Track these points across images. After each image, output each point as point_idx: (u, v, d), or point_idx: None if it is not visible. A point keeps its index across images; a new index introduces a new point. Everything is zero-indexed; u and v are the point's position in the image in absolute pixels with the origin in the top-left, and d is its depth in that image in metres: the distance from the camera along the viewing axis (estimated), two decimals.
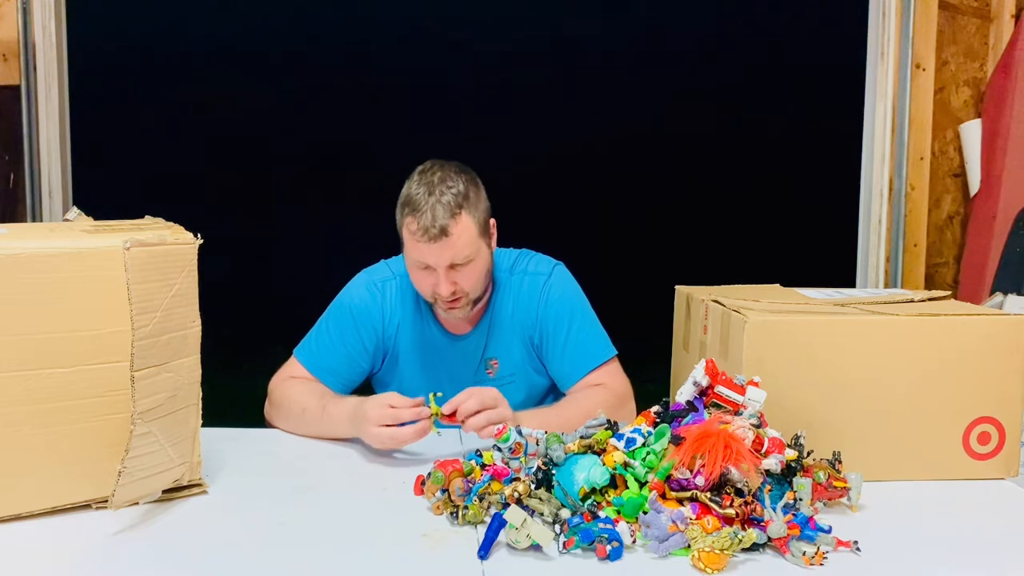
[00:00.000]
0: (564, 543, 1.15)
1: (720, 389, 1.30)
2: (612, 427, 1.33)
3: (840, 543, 1.16)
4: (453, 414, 1.48)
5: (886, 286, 2.83)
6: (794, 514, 1.20)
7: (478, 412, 1.48)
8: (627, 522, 1.20)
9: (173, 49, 4.93)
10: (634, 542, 1.17)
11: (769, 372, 1.37)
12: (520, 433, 1.38)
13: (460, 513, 1.24)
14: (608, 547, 1.13)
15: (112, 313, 1.24)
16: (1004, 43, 2.78)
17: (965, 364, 1.45)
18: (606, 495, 1.24)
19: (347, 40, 5.05)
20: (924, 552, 1.20)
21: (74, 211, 1.53)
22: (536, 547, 1.14)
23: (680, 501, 1.19)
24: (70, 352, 1.25)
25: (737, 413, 1.29)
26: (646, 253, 5.21)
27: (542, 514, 1.21)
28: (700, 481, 1.18)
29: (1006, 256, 2.68)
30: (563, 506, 1.22)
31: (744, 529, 1.15)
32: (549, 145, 5.16)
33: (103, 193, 2.58)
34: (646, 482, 1.23)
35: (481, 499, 1.25)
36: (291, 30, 5.09)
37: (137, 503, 1.29)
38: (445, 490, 1.28)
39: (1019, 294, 2.63)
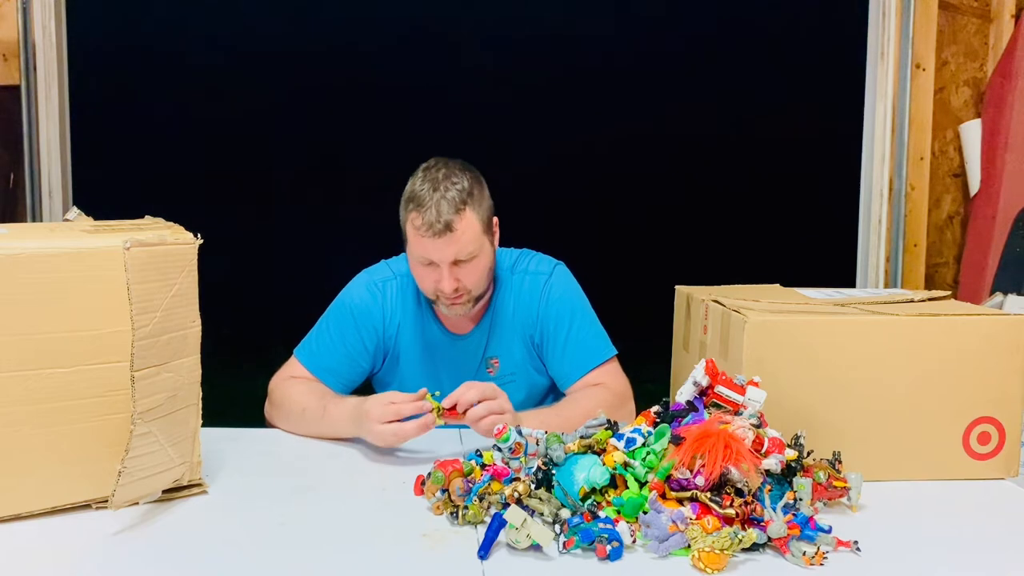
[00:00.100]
0: (564, 543, 1.15)
1: (720, 389, 1.30)
2: (612, 427, 1.33)
3: (840, 543, 1.16)
4: (453, 408, 1.48)
5: (886, 286, 2.83)
6: (794, 514, 1.20)
7: (478, 404, 1.48)
8: (627, 522, 1.20)
9: (173, 49, 4.93)
10: (634, 542, 1.17)
11: (769, 372, 1.37)
12: (520, 433, 1.38)
13: (460, 513, 1.24)
14: (608, 547, 1.13)
15: (112, 313, 1.24)
16: (1004, 43, 2.78)
17: (965, 364, 1.45)
18: (606, 495, 1.24)
19: (347, 40, 5.05)
20: (924, 552, 1.20)
21: (74, 211, 1.53)
22: (536, 547, 1.14)
23: (680, 501, 1.19)
24: (70, 352, 1.25)
25: (737, 413, 1.29)
26: (646, 253, 5.21)
27: (542, 514, 1.21)
28: (700, 481, 1.18)
29: (1006, 256, 2.68)
30: (563, 506, 1.22)
31: (744, 529, 1.15)
32: (549, 145, 5.16)
33: (103, 193, 2.58)
34: (646, 482, 1.23)
35: (481, 499, 1.25)
36: (291, 30, 5.09)
37: (137, 503, 1.29)
38: (445, 490, 1.28)
39: (1019, 294, 2.63)
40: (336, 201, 5.27)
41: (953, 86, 2.86)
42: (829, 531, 1.18)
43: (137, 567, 1.13)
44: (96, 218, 1.47)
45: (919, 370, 1.44)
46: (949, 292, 1.87)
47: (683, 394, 1.32)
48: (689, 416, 1.28)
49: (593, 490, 1.23)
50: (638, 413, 1.37)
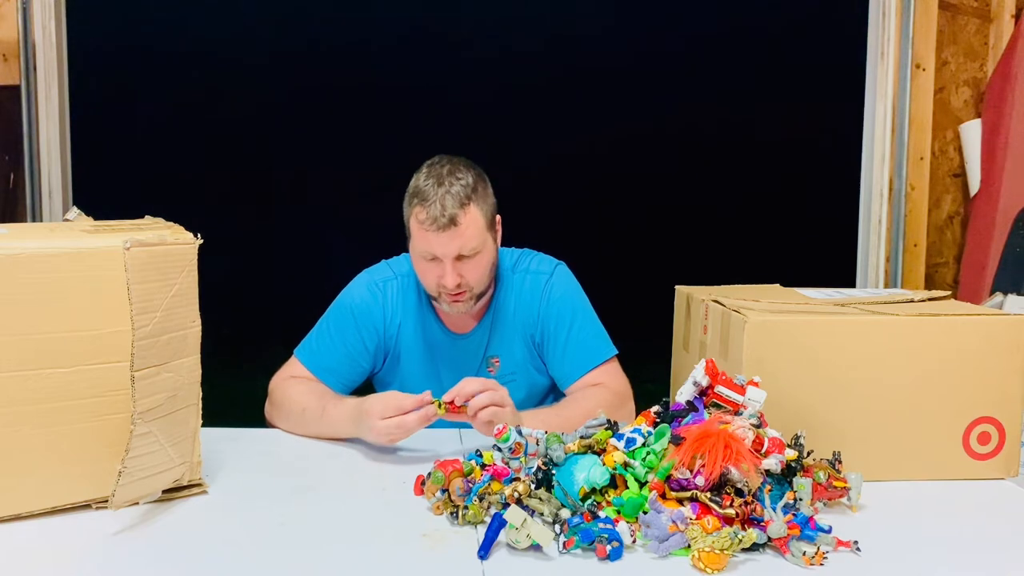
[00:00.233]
0: (564, 543, 1.15)
1: (720, 389, 1.30)
2: (612, 427, 1.33)
3: (840, 543, 1.16)
4: (454, 404, 1.48)
5: (886, 286, 2.83)
6: (794, 514, 1.20)
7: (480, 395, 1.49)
8: (627, 522, 1.20)
9: (173, 49, 4.92)
10: (634, 542, 1.17)
11: (769, 372, 1.37)
12: (520, 433, 1.38)
13: (460, 513, 1.24)
14: (608, 547, 1.13)
15: (112, 313, 1.24)
16: (1004, 43, 2.78)
17: (965, 364, 1.45)
18: (606, 495, 1.24)
19: (347, 40, 5.05)
20: (924, 552, 1.20)
21: (74, 211, 1.53)
22: (536, 547, 1.14)
23: (680, 501, 1.19)
24: (70, 352, 1.25)
25: (737, 413, 1.29)
26: (646, 253, 5.20)
27: (542, 514, 1.21)
28: (700, 481, 1.18)
29: (1006, 256, 2.68)
30: (563, 506, 1.22)
31: (744, 529, 1.15)
32: (549, 145, 5.15)
33: (103, 193, 2.58)
34: (646, 482, 1.23)
35: (481, 499, 1.25)
36: (292, 30, 5.09)
37: (137, 503, 1.29)
38: (445, 490, 1.28)
39: (1019, 294, 2.63)
40: (336, 201, 5.26)
41: (953, 86, 2.86)
42: (829, 531, 1.18)
43: (137, 567, 1.13)
44: (96, 218, 1.47)
45: (919, 370, 1.44)
46: (949, 292, 1.87)
47: (683, 394, 1.32)
48: (689, 416, 1.28)
49: (593, 490, 1.23)
50: (638, 413, 1.37)
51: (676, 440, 1.22)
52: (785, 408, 1.38)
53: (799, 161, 5.11)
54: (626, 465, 1.24)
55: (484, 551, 1.14)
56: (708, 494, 1.18)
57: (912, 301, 1.60)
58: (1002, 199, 2.70)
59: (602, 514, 1.21)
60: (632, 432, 1.28)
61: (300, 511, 1.30)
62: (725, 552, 1.10)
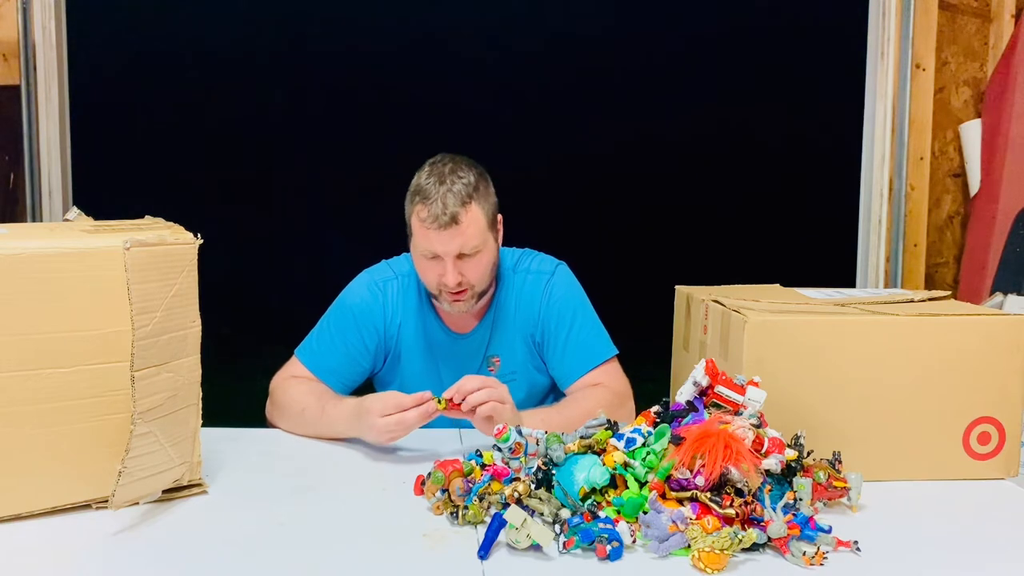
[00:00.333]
0: (564, 543, 1.15)
1: (720, 389, 1.30)
2: (612, 427, 1.33)
3: (840, 543, 1.16)
4: (454, 402, 1.48)
5: (886, 286, 2.83)
6: (794, 514, 1.20)
7: (480, 391, 1.49)
8: (627, 522, 1.20)
9: (173, 49, 4.93)
10: (634, 542, 1.17)
11: (769, 372, 1.37)
12: (520, 433, 1.38)
13: (460, 513, 1.24)
14: (608, 547, 1.13)
15: (112, 313, 1.24)
16: (1004, 43, 2.78)
17: (965, 364, 1.45)
18: (606, 495, 1.24)
19: (347, 41, 5.05)
20: (924, 552, 1.20)
21: (74, 211, 1.53)
22: (536, 547, 1.14)
23: (680, 501, 1.19)
24: (70, 352, 1.25)
25: (737, 413, 1.29)
26: (646, 253, 5.21)
27: (542, 514, 1.21)
28: (700, 481, 1.18)
29: (1006, 256, 2.68)
30: (563, 506, 1.22)
31: (744, 529, 1.15)
32: (549, 145, 5.15)
33: (103, 193, 2.58)
34: (646, 482, 1.23)
35: (481, 499, 1.25)
36: (292, 30, 5.09)
37: (137, 503, 1.29)
38: (445, 490, 1.28)
39: (1019, 294, 2.63)
40: (336, 201, 5.26)
41: (953, 86, 2.86)
42: (829, 531, 1.18)
43: (137, 567, 1.13)
44: (96, 218, 1.47)
45: (919, 370, 1.44)
46: (949, 292, 1.87)
47: (683, 394, 1.32)
48: (689, 416, 1.28)
49: (593, 490, 1.23)
50: (638, 413, 1.37)
51: (676, 440, 1.22)
52: (785, 408, 1.38)
53: (799, 161, 5.11)
54: (626, 465, 1.24)
55: (484, 551, 1.14)
56: (708, 494, 1.18)
57: (912, 301, 1.60)
58: (1002, 199, 2.70)
59: (602, 514, 1.21)
60: (632, 432, 1.28)
61: (300, 511, 1.30)
62: (725, 552, 1.10)
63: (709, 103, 5.16)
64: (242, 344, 4.26)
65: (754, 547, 1.15)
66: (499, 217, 1.75)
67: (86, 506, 1.29)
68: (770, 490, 1.22)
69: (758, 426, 1.27)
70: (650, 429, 1.28)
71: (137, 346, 1.19)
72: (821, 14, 4.40)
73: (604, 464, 1.25)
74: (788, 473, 1.27)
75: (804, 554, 1.13)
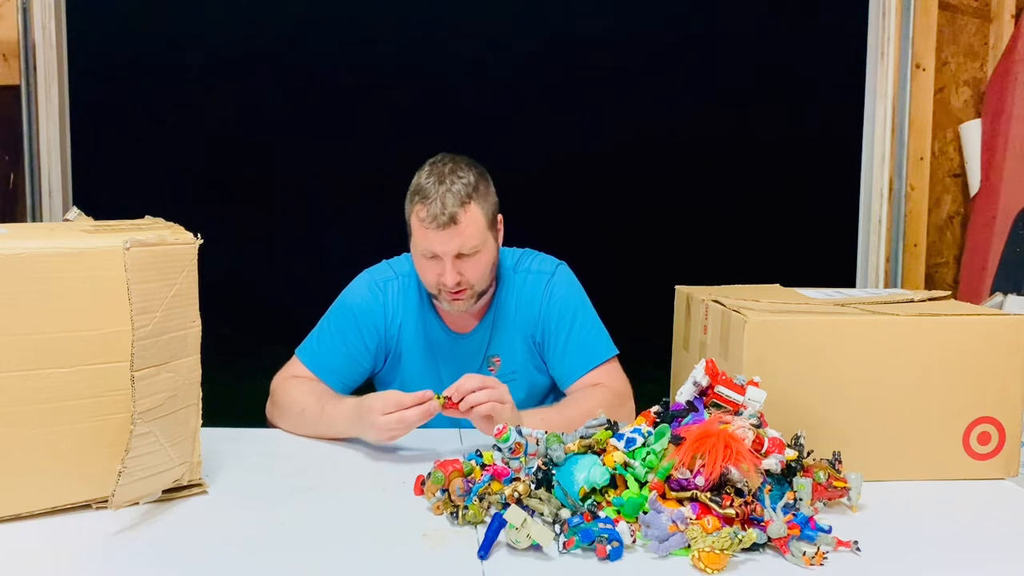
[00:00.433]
0: (564, 543, 1.15)
1: (720, 389, 1.30)
2: (612, 427, 1.33)
3: (840, 543, 1.16)
4: (451, 398, 1.48)
5: (886, 286, 2.83)
6: (794, 514, 1.20)
7: (480, 391, 1.49)
8: (627, 522, 1.20)
9: (173, 49, 4.92)
10: (634, 542, 1.17)
11: (769, 372, 1.37)
12: (520, 433, 1.38)
13: (460, 513, 1.24)
14: (608, 547, 1.13)
15: (112, 313, 1.24)
16: (1004, 43, 2.78)
17: (965, 364, 1.45)
18: (606, 495, 1.24)
19: (348, 42, 5.05)
20: (924, 552, 1.20)
21: (74, 211, 1.53)
22: (536, 547, 1.14)
23: (680, 501, 1.19)
24: (70, 352, 1.25)
25: (737, 413, 1.29)
26: (646, 253, 5.21)
27: (542, 514, 1.21)
28: (700, 481, 1.18)
29: (1006, 256, 2.68)
30: (563, 506, 1.22)
31: (744, 529, 1.15)
32: (549, 145, 5.15)
33: (103, 193, 2.58)
34: (646, 482, 1.23)
35: (481, 499, 1.25)
36: (292, 30, 5.09)
37: (137, 503, 1.29)
38: (445, 490, 1.28)
39: (1019, 294, 2.63)
40: (336, 201, 5.26)
41: (953, 86, 2.86)
42: (829, 531, 1.18)
43: (137, 567, 1.13)
44: (96, 218, 1.47)
45: (919, 370, 1.44)
46: (949, 292, 1.87)
47: (683, 394, 1.32)
48: (689, 416, 1.28)
49: (593, 490, 1.23)
50: (638, 413, 1.37)
51: (676, 440, 1.22)
52: (785, 408, 1.38)
53: (799, 161, 5.11)
54: (626, 465, 1.24)
55: (484, 551, 1.14)
56: (708, 494, 1.18)
57: (912, 301, 1.60)
58: (1002, 199, 2.70)
59: (602, 514, 1.21)
60: (632, 432, 1.28)
61: (300, 511, 1.30)
62: (725, 552, 1.10)
63: (709, 103, 5.16)
64: (242, 344, 4.26)
65: (754, 547, 1.15)
66: (499, 217, 1.75)
67: (86, 506, 1.29)
68: (770, 490, 1.22)
69: (758, 426, 1.27)
70: (650, 429, 1.28)
71: (137, 346, 1.19)
72: (821, 14, 4.40)
73: (604, 464, 1.25)
74: (788, 473, 1.27)
75: (804, 554, 1.13)
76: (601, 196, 5.40)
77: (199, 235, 1.30)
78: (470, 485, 1.27)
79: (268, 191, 5.37)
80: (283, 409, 1.72)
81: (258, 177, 5.28)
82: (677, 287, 1.82)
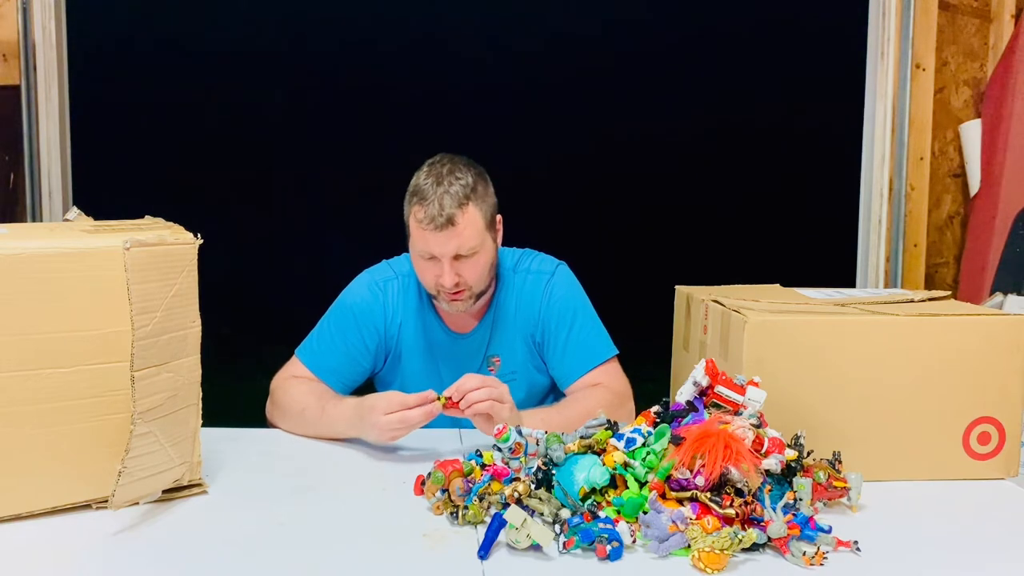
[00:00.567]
0: (564, 543, 1.15)
1: (720, 389, 1.30)
2: (612, 427, 1.33)
3: (840, 543, 1.16)
4: (456, 402, 1.48)
5: (886, 286, 2.83)
6: (794, 514, 1.20)
7: (479, 390, 1.49)
8: (627, 522, 1.20)
9: (173, 49, 4.93)
10: (634, 542, 1.17)
11: (769, 372, 1.37)
12: (520, 433, 1.38)
13: (460, 513, 1.24)
14: (608, 547, 1.13)
15: (112, 313, 1.24)
16: (1004, 43, 2.78)
17: (965, 364, 1.45)
18: (606, 495, 1.24)
19: (349, 41, 5.05)
20: (924, 552, 1.20)
21: (74, 211, 1.53)
22: (536, 547, 1.14)
23: (680, 501, 1.19)
24: (70, 352, 1.25)
25: (737, 413, 1.29)
26: (646, 253, 5.21)
27: (542, 514, 1.21)
28: (700, 481, 1.18)
29: (1006, 256, 2.68)
30: (563, 506, 1.22)
31: (744, 529, 1.15)
32: (549, 145, 5.16)
33: (103, 193, 2.58)
34: (646, 482, 1.23)
35: (481, 499, 1.25)
36: (292, 30, 5.09)
37: (137, 503, 1.29)
38: (445, 490, 1.28)
39: (1019, 294, 2.63)
40: (336, 201, 5.27)
41: (953, 86, 2.86)
42: (829, 531, 1.18)
43: (137, 567, 1.13)
44: (96, 218, 1.47)
45: (919, 370, 1.44)
46: (949, 292, 1.87)
47: (683, 394, 1.32)
48: (689, 416, 1.28)
49: (593, 490, 1.23)
50: (638, 413, 1.37)
51: (676, 440, 1.22)
52: (785, 408, 1.38)
53: (799, 161, 5.11)
54: (626, 465, 1.24)
55: (484, 551, 1.14)
56: (708, 494, 1.18)
57: (912, 301, 1.60)
58: (1002, 199, 2.70)
59: (602, 514, 1.21)
60: (632, 432, 1.28)
61: (300, 511, 1.30)
62: (725, 552, 1.10)
63: (709, 103, 5.17)
64: (242, 344, 4.26)
65: (754, 547, 1.15)
66: (498, 217, 1.75)
67: (86, 506, 1.29)
68: (770, 490, 1.22)
69: (758, 426, 1.27)
70: (650, 429, 1.28)
71: (137, 346, 1.19)
72: (821, 14, 4.40)
73: (604, 464, 1.25)
74: (788, 473, 1.27)
75: (804, 554, 1.13)
76: (601, 196, 5.40)
77: (199, 235, 1.30)
78: (470, 485, 1.27)
79: (268, 191, 5.37)
80: (283, 409, 1.72)
81: (258, 177, 5.29)
82: (677, 287, 1.82)
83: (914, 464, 1.46)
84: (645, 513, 1.18)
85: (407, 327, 1.81)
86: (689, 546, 1.13)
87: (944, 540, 1.24)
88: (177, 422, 1.29)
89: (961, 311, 1.51)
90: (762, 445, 1.24)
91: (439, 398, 1.49)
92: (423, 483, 1.33)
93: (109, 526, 1.23)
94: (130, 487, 1.21)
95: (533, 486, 1.25)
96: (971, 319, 1.47)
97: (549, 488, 1.25)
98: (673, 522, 1.14)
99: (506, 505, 1.21)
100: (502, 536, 1.15)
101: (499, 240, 1.77)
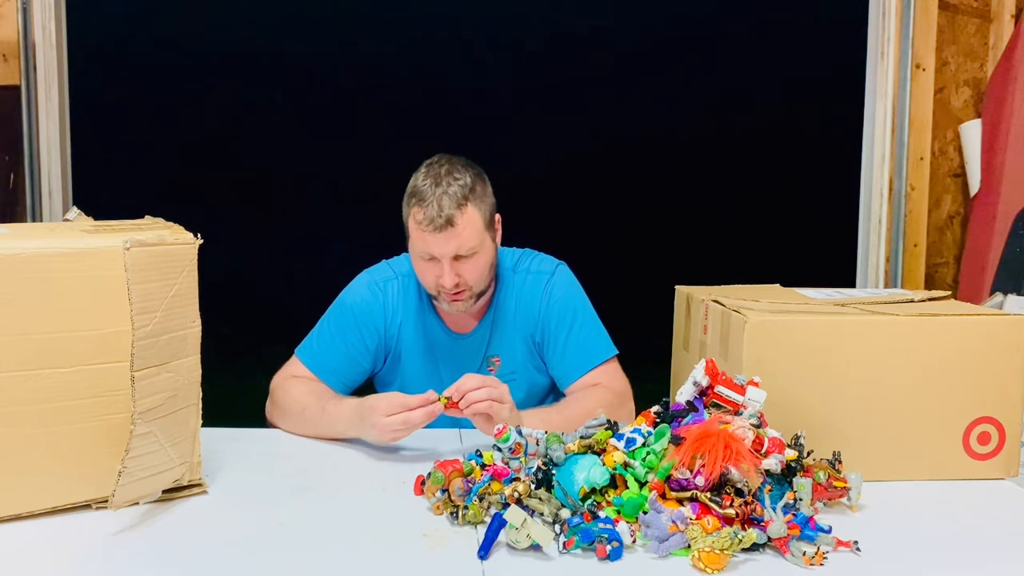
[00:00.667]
0: (564, 543, 1.15)
1: (720, 389, 1.30)
2: (612, 427, 1.33)
3: (840, 543, 1.16)
4: (456, 402, 1.48)
5: (886, 286, 2.83)
6: (794, 514, 1.20)
7: (479, 390, 1.49)
8: (627, 522, 1.20)
9: (173, 49, 4.93)
10: (634, 542, 1.17)
11: (769, 372, 1.37)
12: (520, 433, 1.38)
13: (460, 513, 1.24)
14: (608, 547, 1.13)
15: (112, 313, 1.24)
16: (1004, 43, 2.78)
17: (965, 364, 1.45)
18: (606, 495, 1.24)
19: (348, 41, 5.05)
20: (924, 552, 1.20)
21: (74, 211, 1.53)
22: (536, 547, 1.14)
23: (680, 501, 1.19)
24: (70, 352, 1.25)
25: (737, 413, 1.29)
26: (646, 253, 5.21)
27: (542, 514, 1.21)
28: (700, 481, 1.18)
29: (1006, 256, 2.68)
30: (563, 506, 1.22)
31: (744, 529, 1.15)
32: (549, 145, 5.15)
33: (103, 193, 2.58)
34: (646, 482, 1.23)
35: (481, 499, 1.25)
36: (292, 30, 5.09)
37: (137, 503, 1.29)
38: (445, 490, 1.28)
39: (1019, 294, 2.63)
40: (336, 201, 5.27)
41: (953, 86, 2.86)
42: (829, 531, 1.18)
43: (137, 567, 1.13)
44: (96, 218, 1.47)
45: (919, 370, 1.44)
46: (949, 292, 1.87)
47: (683, 394, 1.32)
48: (689, 416, 1.28)
49: (593, 490, 1.23)
50: (638, 413, 1.37)
51: (676, 440, 1.22)
52: (785, 408, 1.38)
53: (799, 161, 5.11)
54: (626, 465, 1.24)
55: (484, 551, 1.14)
56: (708, 494, 1.18)
57: (912, 301, 1.60)
58: (1002, 199, 2.70)
59: (602, 514, 1.21)
60: (632, 432, 1.28)
61: (300, 511, 1.30)
62: (725, 552, 1.10)
63: (709, 103, 5.16)
64: (242, 344, 4.26)
65: (754, 547, 1.15)
66: (497, 217, 1.75)
67: (86, 506, 1.29)
68: (770, 490, 1.22)
69: (758, 426, 1.27)
70: (650, 429, 1.28)
71: (137, 346, 1.19)
72: (821, 14, 4.40)
73: (604, 464, 1.25)
74: (788, 473, 1.27)
75: (804, 554, 1.13)
76: (601, 196, 5.40)
77: (199, 235, 1.30)
78: (470, 485, 1.27)
79: (268, 191, 5.37)
80: (283, 409, 1.72)
81: (258, 177, 5.28)
82: (677, 287, 1.82)
83: (914, 464, 1.46)
84: (645, 513, 1.18)
85: (407, 327, 1.81)
86: (689, 546, 1.13)
87: (944, 540, 1.24)
88: (177, 422, 1.29)
89: (961, 311, 1.51)
90: (762, 445, 1.24)
91: (440, 398, 1.49)
92: (423, 483, 1.33)
93: (109, 526, 1.23)
94: (130, 487, 1.21)
95: (533, 486, 1.25)
96: (971, 319, 1.47)
97: (549, 488, 1.25)
98: (673, 522, 1.14)
99: (506, 505, 1.21)
100: (502, 536, 1.15)
101: (498, 240, 1.77)
